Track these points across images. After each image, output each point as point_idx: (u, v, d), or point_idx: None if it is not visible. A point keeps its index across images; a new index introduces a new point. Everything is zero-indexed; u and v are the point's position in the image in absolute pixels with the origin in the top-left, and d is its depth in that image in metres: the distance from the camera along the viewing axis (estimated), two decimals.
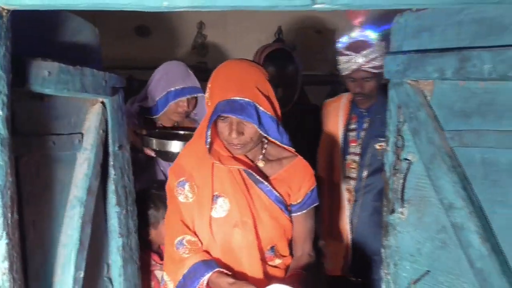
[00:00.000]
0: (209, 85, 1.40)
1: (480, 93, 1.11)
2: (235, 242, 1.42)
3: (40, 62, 1.00)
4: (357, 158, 2.07)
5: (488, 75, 1.05)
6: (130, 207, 1.50)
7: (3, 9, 0.79)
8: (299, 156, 1.50)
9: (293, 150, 1.47)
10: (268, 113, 1.32)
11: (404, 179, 1.28)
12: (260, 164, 1.46)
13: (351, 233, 2.07)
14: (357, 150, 2.07)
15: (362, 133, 2.06)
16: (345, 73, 1.98)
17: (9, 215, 0.85)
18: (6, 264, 0.85)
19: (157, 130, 2.07)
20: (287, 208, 1.48)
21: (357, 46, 1.91)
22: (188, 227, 1.44)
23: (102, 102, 1.38)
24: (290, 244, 1.53)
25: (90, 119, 1.36)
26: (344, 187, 2.09)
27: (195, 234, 1.44)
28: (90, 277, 1.38)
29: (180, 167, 1.47)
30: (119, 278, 1.48)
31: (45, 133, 1.11)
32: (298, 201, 1.49)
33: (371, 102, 2.05)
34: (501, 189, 1.09)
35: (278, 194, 1.44)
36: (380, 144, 1.97)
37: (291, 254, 1.53)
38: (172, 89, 1.97)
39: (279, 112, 1.39)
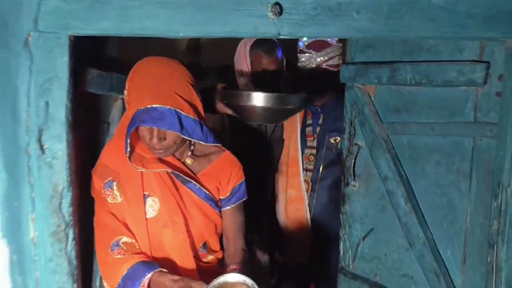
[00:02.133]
0: (127, 83, 1.35)
1: (406, 94, 1.51)
2: (166, 242, 1.38)
3: (87, 69, 1.38)
4: (314, 151, 2.18)
5: (409, 82, 1.45)
6: None
7: (72, 36, 1.17)
8: (226, 150, 1.50)
9: (219, 145, 1.47)
10: (190, 116, 1.29)
11: (355, 159, 1.69)
12: (188, 161, 1.45)
13: (310, 221, 2.20)
14: (314, 143, 2.19)
15: (318, 128, 2.19)
16: (304, 70, 2.11)
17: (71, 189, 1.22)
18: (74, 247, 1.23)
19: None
20: (217, 204, 1.48)
21: (317, 45, 2.06)
22: (124, 227, 1.37)
23: (122, 99, 1.77)
24: (221, 238, 1.55)
25: (114, 111, 1.75)
26: (302, 178, 2.21)
27: (133, 235, 1.37)
28: None
29: (105, 167, 1.38)
30: None
31: (87, 121, 1.49)
32: (227, 195, 1.49)
33: (325, 100, 2.18)
34: (420, 164, 1.50)
35: (207, 192, 1.44)
36: (334, 138, 2.12)
37: (222, 248, 1.54)
38: None
39: (202, 111, 1.37)
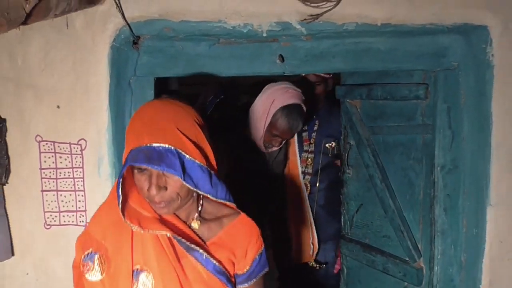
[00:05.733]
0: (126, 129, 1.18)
1: (379, 106, 2.14)
2: None
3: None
4: (311, 155, 2.43)
5: (380, 98, 2.08)
6: None
7: (155, 78, 1.88)
8: (242, 213, 1.26)
9: (234, 205, 1.25)
10: (197, 161, 1.09)
11: (348, 153, 2.32)
12: (195, 225, 1.22)
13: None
14: (310, 148, 2.44)
15: (313, 134, 2.46)
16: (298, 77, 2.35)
17: None
18: None
19: None
20: (230, 280, 1.22)
21: None
22: None
23: None
24: None
25: None
26: (302, 181, 2.45)
27: None
28: None
29: (88, 236, 1.19)
30: None
31: None
32: (246, 270, 1.24)
33: (319, 106, 2.43)
34: (390, 155, 2.12)
35: (217, 263, 1.18)
36: (330, 144, 2.39)
37: None
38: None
39: (212, 160, 1.15)
